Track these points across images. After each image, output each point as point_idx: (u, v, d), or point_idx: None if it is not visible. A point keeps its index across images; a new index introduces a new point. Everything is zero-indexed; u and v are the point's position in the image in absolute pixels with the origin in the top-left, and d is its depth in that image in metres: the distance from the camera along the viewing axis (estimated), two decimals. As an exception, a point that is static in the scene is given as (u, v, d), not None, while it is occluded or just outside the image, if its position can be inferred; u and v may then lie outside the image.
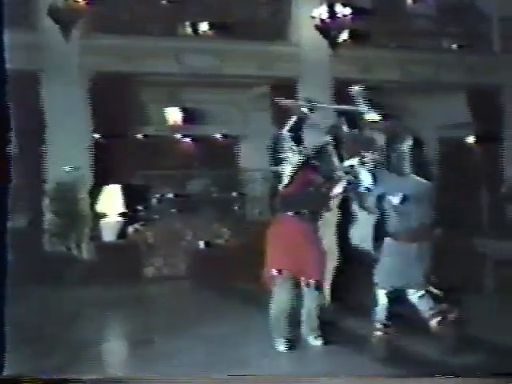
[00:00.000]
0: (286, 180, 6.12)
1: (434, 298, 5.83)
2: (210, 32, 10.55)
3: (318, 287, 6.02)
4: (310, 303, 6.11)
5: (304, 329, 6.22)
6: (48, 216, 10.71)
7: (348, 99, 12.00)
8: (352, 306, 6.57)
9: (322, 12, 9.87)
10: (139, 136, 12.66)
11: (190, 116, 12.91)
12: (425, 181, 5.86)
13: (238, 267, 9.14)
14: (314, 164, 6.22)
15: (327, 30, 9.90)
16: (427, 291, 5.80)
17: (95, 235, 10.72)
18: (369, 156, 6.01)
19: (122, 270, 9.27)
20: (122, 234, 10.66)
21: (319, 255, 5.99)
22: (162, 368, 5.51)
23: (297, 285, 6.09)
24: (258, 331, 6.59)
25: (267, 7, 12.09)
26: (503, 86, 13.37)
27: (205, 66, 11.69)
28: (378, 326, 5.86)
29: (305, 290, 6.10)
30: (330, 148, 6.23)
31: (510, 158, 13.17)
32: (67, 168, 10.65)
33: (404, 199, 5.76)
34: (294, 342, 6.08)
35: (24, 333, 6.14)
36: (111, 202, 10.90)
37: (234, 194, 12.90)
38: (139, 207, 11.33)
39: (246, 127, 14.07)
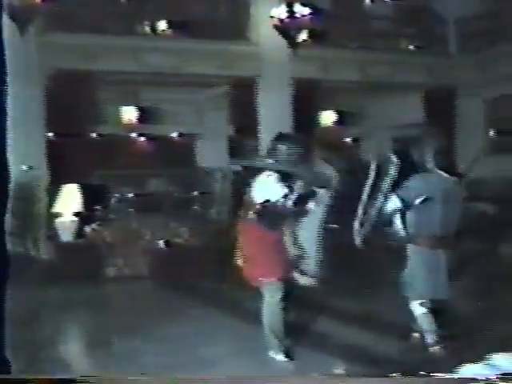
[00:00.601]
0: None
1: (437, 317, 5.41)
2: (168, 31, 10.52)
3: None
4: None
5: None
6: (8, 216, 10.49)
7: (306, 100, 12.16)
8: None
9: (280, 12, 9.91)
10: (94, 135, 12.53)
11: (146, 115, 12.84)
12: (450, 177, 5.45)
13: (198, 266, 9.13)
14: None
15: (286, 29, 9.93)
16: (431, 309, 5.40)
17: (52, 235, 10.56)
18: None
19: (80, 270, 9.15)
20: (78, 233, 10.52)
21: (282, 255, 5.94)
22: (123, 368, 5.46)
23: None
24: (219, 330, 6.59)
25: (227, 6, 12.08)
26: (459, 87, 13.61)
27: (163, 65, 11.61)
28: (430, 337, 5.40)
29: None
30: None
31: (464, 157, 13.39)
32: (24, 167, 10.48)
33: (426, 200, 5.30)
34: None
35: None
36: (68, 201, 10.76)
37: (195, 193, 12.87)
38: (97, 207, 11.21)
39: (203, 126, 14.06)
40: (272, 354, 5.82)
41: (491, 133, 12.64)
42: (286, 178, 5.66)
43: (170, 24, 10.64)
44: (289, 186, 5.66)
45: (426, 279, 5.36)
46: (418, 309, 5.43)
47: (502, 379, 3.93)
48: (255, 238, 5.87)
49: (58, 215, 10.68)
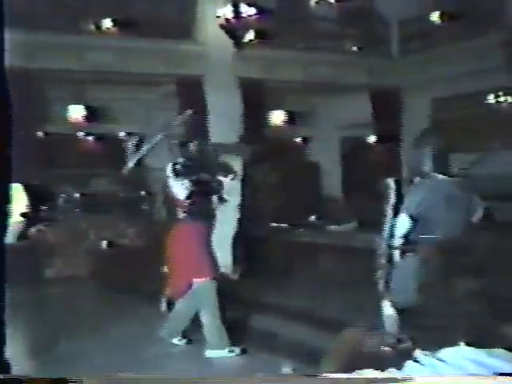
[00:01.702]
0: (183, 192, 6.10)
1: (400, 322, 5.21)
2: (113, 29, 10.43)
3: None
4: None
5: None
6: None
7: (253, 99, 12.21)
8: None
9: (226, 11, 9.95)
10: (40, 134, 12.36)
11: (93, 114, 12.72)
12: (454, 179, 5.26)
13: (141, 267, 9.08)
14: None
15: (232, 29, 9.98)
16: (398, 312, 5.22)
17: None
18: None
19: (22, 271, 9.02)
20: (22, 235, 10.36)
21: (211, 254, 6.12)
22: (63, 370, 5.42)
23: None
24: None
25: (173, 5, 12.05)
26: (401, 88, 13.83)
27: (109, 64, 11.52)
28: (387, 338, 5.30)
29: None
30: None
31: (408, 157, 13.63)
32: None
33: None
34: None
35: None
36: (14, 201, 10.58)
37: (142, 193, 12.82)
38: (42, 207, 11.06)
39: (150, 126, 13.98)
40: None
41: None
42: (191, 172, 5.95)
43: (115, 22, 10.56)
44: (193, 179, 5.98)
45: (408, 283, 5.26)
46: (387, 309, 5.34)
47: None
48: (185, 237, 5.93)
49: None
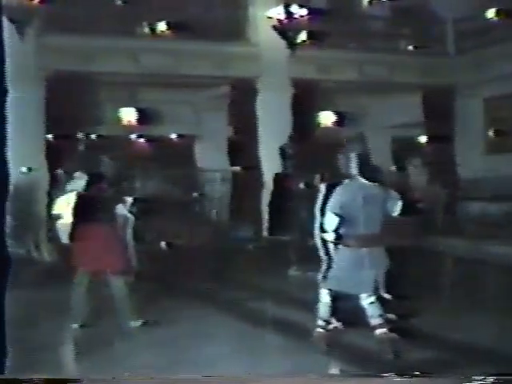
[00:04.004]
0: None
1: (384, 305, 5.87)
2: (167, 32, 10.52)
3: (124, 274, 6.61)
4: (120, 291, 6.62)
5: (121, 316, 6.63)
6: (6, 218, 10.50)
7: (305, 100, 12.17)
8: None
9: (278, 12, 9.94)
10: (93, 136, 12.54)
11: (145, 116, 12.83)
12: (372, 183, 5.92)
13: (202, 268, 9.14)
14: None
15: (285, 30, 9.96)
16: (378, 298, 5.84)
17: (54, 237, 10.57)
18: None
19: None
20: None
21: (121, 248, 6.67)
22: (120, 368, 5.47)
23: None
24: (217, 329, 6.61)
25: (226, 7, 12.08)
26: (456, 87, 13.61)
27: (162, 66, 11.62)
28: (321, 322, 5.98)
29: (112, 281, 6.64)
30: None
31: (461, 157, 13.43)
32: (24, 169, 10.49)
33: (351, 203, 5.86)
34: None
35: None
36: (67, 203, 10.72)
37: (194, 194, 12.88)
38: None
39: (201, 127, 14.05)
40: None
41: (490, 133, 12.68)
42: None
43: (169, 25, 10.65)
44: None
45: (349, 274, 5.86)
46: (323, 294, 5.95)
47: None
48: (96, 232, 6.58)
49: (57, 217, 10.64)
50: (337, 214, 5.79)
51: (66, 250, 10.35)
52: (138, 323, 6.59)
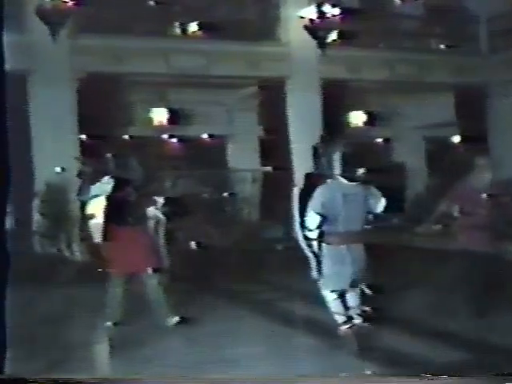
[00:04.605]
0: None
1: (362, 297, 6.06)
2: (198, 32, 10.55)
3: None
4: (155, 290, 6.68)
5: (156, 315, 6.66)
6: (36, 217, 10.67)
7: (335, 100, 12.14)
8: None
9: (310, 12, 9.91)
10: (125, 137, 12.64)
11: (176, 116, 12.90)
12: (351, 183, 6.06)
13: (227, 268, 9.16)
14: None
15: (316, 30, 9.93)
16: (358, 292, 6.04)
17: (86, 236, 10.68)
18: None
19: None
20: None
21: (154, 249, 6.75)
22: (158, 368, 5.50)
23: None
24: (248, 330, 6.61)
25: (256, 7, 12.10)
26: (489, 86, 13.46)
27: (193, 67, 11.67)
28: (341, 319, 6.05)
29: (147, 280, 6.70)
30: None
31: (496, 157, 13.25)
32: (57, 169, 10.61)
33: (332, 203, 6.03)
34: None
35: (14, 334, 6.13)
36: (100, 202, 10.82)
37: (225, 194, 12.90)
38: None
39: (232, 127, 14.09)
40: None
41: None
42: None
43: (201, 25, 10.68)
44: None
45: (334, 271, 6.03)
46: (328, 295, 6.08)
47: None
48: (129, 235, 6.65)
49: (90, 217, 10.76)
50: (319, 213, 5.95)
51: (98, 250, 10.53)
52: (173, 322, 6.62)
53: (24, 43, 10.55)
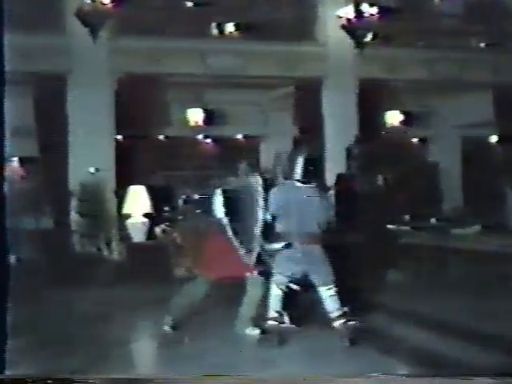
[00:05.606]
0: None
1: (341, 299, 6.25)
2: (235, 33, 10.58)
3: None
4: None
5: (239, 322, 6.61)
6: (75, 217, 10.78)
7: (372, 100, 12.05)
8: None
9: (348, 11, 9.87)
10: (161, 137, 12.73)
11: (211, 117, 12.94)
12: (307, 185, 6.27)
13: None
14: None
15: (353, 29, 9.88)
16: (336, 292, 6.22)
17: (125, 236, 10.78)
18: None
19: (151, 271, 9.29)
20: (150, 234, 10.71)
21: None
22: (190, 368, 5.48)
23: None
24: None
25: (293, 7, 12.06)
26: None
27: (229, 67, 11.68)
28: (273, 314, 6.29)
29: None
30: None
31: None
32: (92, 169, 10.72)
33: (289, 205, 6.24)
34: None
35: (46, 333, 6.21)
36: (137, 202, 10.92)
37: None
38: (165, 208, 11.36)
39: (268, 128, 14.07)
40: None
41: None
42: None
43: (237, 26, 10.70)
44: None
45: (283, 268, 6.29)
46: (274, 290, 6.33)
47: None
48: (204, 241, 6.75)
49: (128, 216, 10.87)
50: (272, 215, 6.25)
51: (136, 249, 10.61)
52: (256, 332, 6.50)
53: (64, 45, 10.67)
